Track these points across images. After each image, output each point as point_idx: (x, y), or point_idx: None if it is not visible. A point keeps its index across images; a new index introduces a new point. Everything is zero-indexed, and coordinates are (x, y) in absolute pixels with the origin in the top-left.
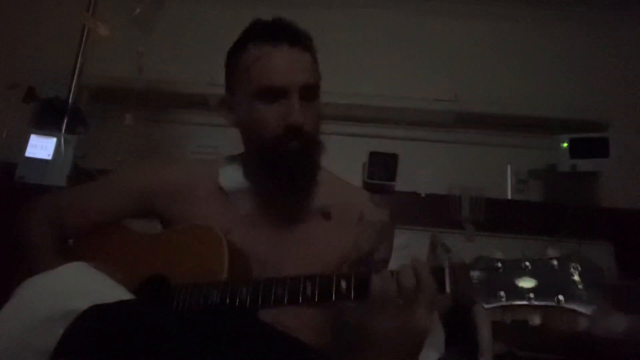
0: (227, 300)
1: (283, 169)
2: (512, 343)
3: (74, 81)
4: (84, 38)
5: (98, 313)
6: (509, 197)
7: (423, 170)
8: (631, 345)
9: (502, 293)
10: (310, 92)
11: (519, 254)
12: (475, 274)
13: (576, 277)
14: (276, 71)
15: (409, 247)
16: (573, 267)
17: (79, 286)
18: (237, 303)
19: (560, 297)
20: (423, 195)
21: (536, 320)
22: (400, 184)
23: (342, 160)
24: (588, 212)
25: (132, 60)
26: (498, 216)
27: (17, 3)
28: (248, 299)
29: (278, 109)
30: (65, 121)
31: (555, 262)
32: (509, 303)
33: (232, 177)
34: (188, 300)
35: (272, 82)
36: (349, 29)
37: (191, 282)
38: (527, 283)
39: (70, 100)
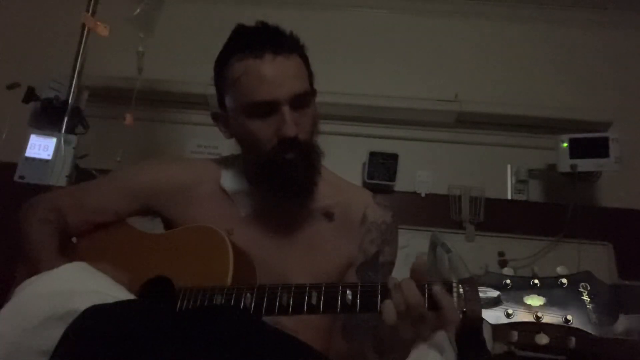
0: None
1: (281, 178)
2: (512, 343)
3: (74, 81)
4: (84, 38)
5: (98, 313)
6: (509, 197)
7: (423, 170)
8: (631, 345)
9: (510, 310)
10: (301, 100)
11: (519, 255)
12: (483, 290)
13: (585, 297)
14: (263, 85)
15: (409, 247)
16: (582, 287)
17: (79, 286)
18: None
19: (569, 317)
20: (423, 195)
21: (543, 339)
22: (400, 184)
23: (342, 160)
24: (588, 212)
25: (132, 60)
26: (498, 216)
27: (17, 3)
28: (252, 306)
29: (270, 123)
30: (65, 121)
31: (564, 281)
32: (516, 321)
33: (234, 178)
34: (192, 304)
35: (260, 97)
36: (349, 29)
37: (195, 283)
38: (535, 301)
39: (70, 100)
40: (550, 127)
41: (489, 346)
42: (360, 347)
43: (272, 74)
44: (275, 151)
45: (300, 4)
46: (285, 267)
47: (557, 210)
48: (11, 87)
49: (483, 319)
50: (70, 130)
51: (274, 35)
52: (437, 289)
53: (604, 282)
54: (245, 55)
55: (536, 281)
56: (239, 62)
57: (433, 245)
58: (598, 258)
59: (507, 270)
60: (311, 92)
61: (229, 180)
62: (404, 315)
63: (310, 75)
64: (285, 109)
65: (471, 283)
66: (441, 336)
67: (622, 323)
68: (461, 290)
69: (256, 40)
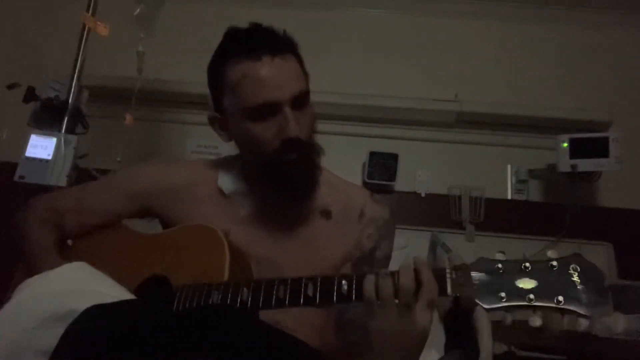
0: (228, 301)
1: (284, 179)
2: (512, 343)
3: (74, 81)
4: (84, 38)
5: (98, 313)
6: (509, 197)
7: (423, 170)
8: (631, 345)
9: (502, 294)
10: (301, 100)
11: (519, 254)
12: (476, 275)
13: (575, 279)
14: (264, 87)
15: (409, 247)
16: (572, 269)
17: (79, 286)
18: (238, 304)
19: (560, 298)
20: (423, 195)
21: (536, 321)
22: (400, 184)
23: (342, 160)
24: (588, 212)
25: (132, 60)
26: (498, 216)
27: (17, 3)
28: (249, 300)
29: (272, 125)
30: (65, 121)
31: (555, 264)
32: (509, 304)
33: (232, 179)
34: (189, 301)
35: (261, 99)
36: (349, 29)
37: (192, 281)
38: (527, 284)
39: (70, 100)
40: (550, 127)
41: (489, 343)
42: (352, 346)
43: (272, 76)
44: (278, 152)
45: (301, 4)
46: (282, 266)
47: (557, 210)
48: (11, 87)
49: (477, 304)
50: (70, 130)
51: (270, 36)
52: (419, 259)
53: (593, 264)
54: (242, 59)
55: (527, 265)
56: (236, 66)
57: (433, 245)
58: (598, 258)
59: (499, 255)
60: (308, 92)
61: (226, 181)
62: (390, 299)
63: (306, 74)
64: (287, 110)
65: (464, 268)
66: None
67: (622, 323)
68: (454, 275)
69: (252, 42)
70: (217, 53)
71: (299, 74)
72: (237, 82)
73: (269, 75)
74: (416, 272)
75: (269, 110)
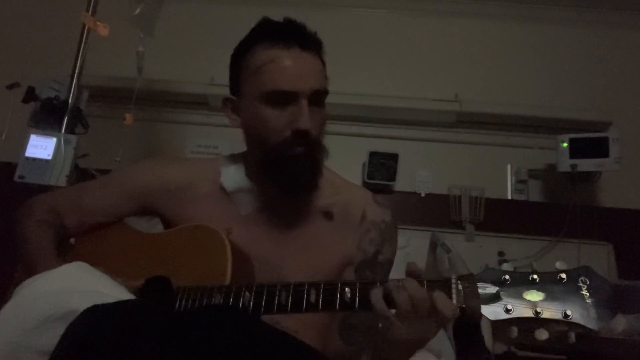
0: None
1: (287, 172)
2: (512, 343)
3: (74, 81)
4: (84, 38)
5: (98, 313)
6: (509, 197)
7: (423, 170)
8: (631, 345)
9: (509, 306)
10: (318, 97)
11: (519, 254)
12: (482, 285)
13: (584, 292)
14: (287, 75)
15: (409, 247)
16: (582, 281)
17: (79, 286)
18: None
19: (568, 312)
20: (423, 195)
21: (543, 334)
22: (400, 184)
23: (342, 160)
24: (588, 212)
25: (132, 60)
26: (498, 216)
27: (17, 3)
28: (251, 305)
29: (287, 114)
30: (65, 121)
31: (563, 276)
32: (515, 316)
33: (234, 177)
34: (190, 303)
35: (282, 86)
36: (349, 29)
37: (194, 283)
38: (534, 296)
39: (70, 100)
40: (550, 127)
41: (489, 344)
42: (357, 352)
43: (297, 67)
44: (287, 144)
45: (301, 4)
46: (283, 266)
47: (557, 210)
48: (11, 87)
49: (482, 315)
50: (70, 130)
51: (302, 31)
52: (416, 266)
53: (602, 277)
54: (272, 45)
55: (535, 276)
56: (265, 50)
57: (433, 245)
58: (598, 258)
59: (506, 266)
60: (327, 92)
61: (229, 178)
62: (410, 313)
63: (326, 77)
64: (304, 102)
65: (470, 279)
66: (439, 339)
67: (622, 323)
68: (460, 286)
69: (285, 32)
70: (247, 36)
71: (321, 73)
72: (263, 65)
73: (294, 65)
74: (407, 293)
75: (286, 98)
